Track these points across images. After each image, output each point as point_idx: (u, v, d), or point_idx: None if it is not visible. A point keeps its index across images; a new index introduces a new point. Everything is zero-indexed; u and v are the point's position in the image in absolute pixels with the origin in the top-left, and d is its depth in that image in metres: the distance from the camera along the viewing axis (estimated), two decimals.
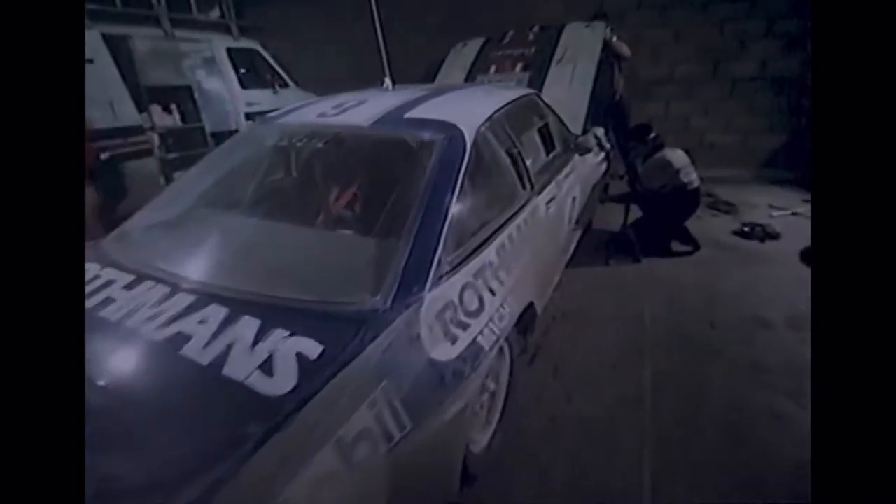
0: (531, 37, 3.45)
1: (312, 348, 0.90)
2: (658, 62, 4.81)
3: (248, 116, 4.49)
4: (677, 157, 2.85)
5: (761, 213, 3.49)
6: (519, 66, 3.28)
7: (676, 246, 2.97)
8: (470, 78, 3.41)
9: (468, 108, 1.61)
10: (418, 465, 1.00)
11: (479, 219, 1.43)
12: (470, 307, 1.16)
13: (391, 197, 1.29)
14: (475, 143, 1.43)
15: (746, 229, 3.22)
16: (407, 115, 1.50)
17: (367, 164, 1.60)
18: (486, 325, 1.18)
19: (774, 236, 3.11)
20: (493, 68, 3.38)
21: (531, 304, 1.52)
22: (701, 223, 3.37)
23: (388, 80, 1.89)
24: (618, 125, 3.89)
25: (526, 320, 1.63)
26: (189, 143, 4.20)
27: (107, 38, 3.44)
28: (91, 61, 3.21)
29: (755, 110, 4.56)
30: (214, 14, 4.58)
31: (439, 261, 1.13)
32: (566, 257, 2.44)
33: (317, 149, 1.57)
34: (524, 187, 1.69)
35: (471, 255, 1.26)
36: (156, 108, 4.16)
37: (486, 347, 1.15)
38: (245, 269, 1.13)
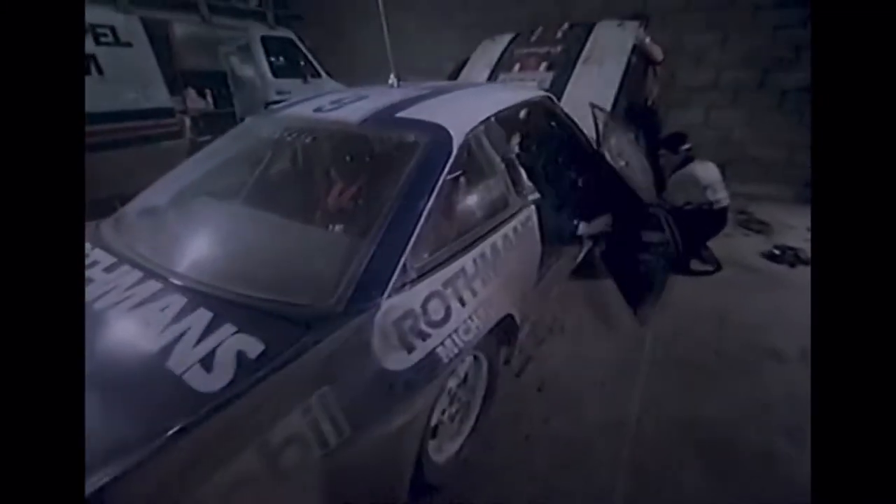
0: (559, 35, 3.29)
1: (254, 347, 0.89)
2: (701, 67, 4.56)
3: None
4: (706, 172, 2.68)
5: (797, 236, 3.24)
6: (544, 66, 3.14)
7: (696, 264, 2.81)
8: (493, 76, 3.32)
9: (464, 109, 1.57)
10: (358, 475, 0.98)
11: (460, 225, 1.39)
12: (434, 317, 1.13)
13: (369, 197, 1.27)
14: (463, 146, 1.38)
15: (777, 252, 3.01)
16: (398, 115, 1.47)
17: (352, 162, 1.59)
18: (449, 336, 1.14)
19: (806, 262, 2.88)
20: (517, 66, 3.26)
21: (509, 317, 1.47)
22: (729, 241, 3.17)
23: (392, 77, 1.86)
24: (648, 132, 3.70)
25: (505, 332, 1.58)
26: (219, 127, 4.34)
27: (146, 23, 3.59)
28: (130, 45, 3.36)
29: (804, 124, 4.23)
30: (253, 2, 4.69)
31: (405, 267, 1.10)
32: (568, 268, 2.36)
33: (305, 144, 1.58)
34: (519, 194, 1.63)
35: (444, 262, 1.23)
36: (190, 92, 4.33)
37: (445, 359, 1.11)
38: (213, 261, 1.15)
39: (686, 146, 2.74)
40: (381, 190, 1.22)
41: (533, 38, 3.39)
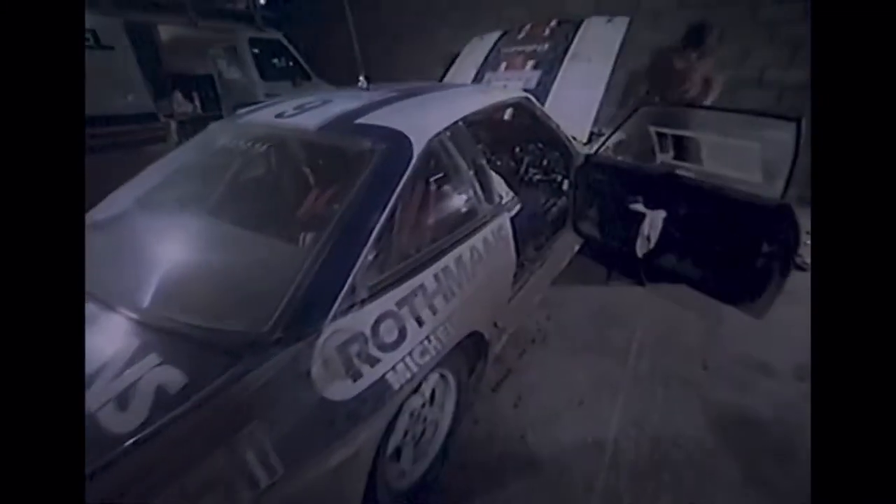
0: (547, 32, 3.18)
1: (176, 381, 0.83)
2: None
3: None
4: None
5: None
6: (530, 64, 3.04)
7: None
8: (479, 75, 3.23)
9: (428, 114, 1.49)
10: None
11: (422, 238, 1.31)
12: (385, 339, 1.06)
13: (319, 210, 1.19)
14: (426, 153, 1.31)
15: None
16: (358, 121, 1.40)
17: (305, 172, 1.51)
18: (402, 360, 1.07)
19: (803, 267, 2.78)
20: (503, 65, 3.17)
21: (476, 334, 1.40)
22: None
23: (362, 79, 1.79)
24: None
25: (475, 347, 1.51)
26: None
27: (131, 26, 3.54)
28: (112, 48, 3.31)
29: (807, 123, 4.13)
30: (241, 4, 4.64)
31: (353, 286, 1.02)
32: (552, 275, 2.28)
33: (259, 153, 1.51)
34: (490, 202, 1.56)
35: (401, 279, 1.15)
36: (177, 95, 4.28)
37: (396, 386, 1.04)
38: (148, 283, 1.08)
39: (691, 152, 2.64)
40: (332, 202, 1.14)
41: (520, 36, 3.29)
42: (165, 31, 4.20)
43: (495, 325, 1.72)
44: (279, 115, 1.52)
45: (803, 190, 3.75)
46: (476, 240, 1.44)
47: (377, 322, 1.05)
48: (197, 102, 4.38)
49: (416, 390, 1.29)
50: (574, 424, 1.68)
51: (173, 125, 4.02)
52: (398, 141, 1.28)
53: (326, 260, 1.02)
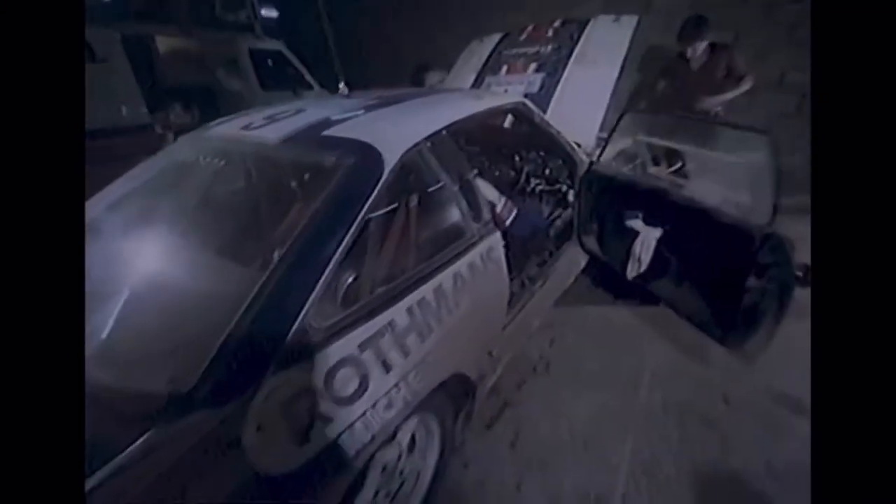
0: (550, 32, 3.00)
1: None
2: None
3: None
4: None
5: None
6: (532, 67, 2.86)
7: None
8: (479, 80, 3.06)
9: (406, 123, 1.34)
10: None
11: (394, 266, 1.15)
12: (342, 391, 0.89)
13: (270, 237, 1.04)
14: (400, 168, 1.15)
15: (798, 273, 2.66)
16: (325, 133, 1.25)
17: (260, 192, 1.36)
18: (362, 417, 0.91)
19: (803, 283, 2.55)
20: (504, 69, 3.00)
21: (459, 376, 1.23)
22: None
23: (342, 86, 1.65)
24: None
25: (462, 387, 1.34)
26: None
27: (127, 38, 3.49)
28: (105, 60, 3.26)
29: None
30: (242, 15, 4.59)
31: (304, 328, 0.86)
32: (554, 296, 2.09)
33: (216, 169, 1.36)
34: (479, 220, 1.39)
35: (366, 316, 0.99)
36: (176, 107, 4.22)
37: (352, 452, 0.88)
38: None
39: (678, 166, 2.43)
40: (288, 228, 0.99)
41: (522, 38, 3.12)
42: (163, 43, 4.17)
43: (490, 354, 1.55)
44: (245, 127, 1.39)
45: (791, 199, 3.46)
46: (461, 265, 1.27)
47: (332, 371, 0.89)
48: (196, 114, 4.31)
49: (391, 439, 1.13)
50: (576, 470, 1.48)
51: (171, 137, 3.96)
52: (367, 155, 1.13)
53: (270, 298, 0.86)
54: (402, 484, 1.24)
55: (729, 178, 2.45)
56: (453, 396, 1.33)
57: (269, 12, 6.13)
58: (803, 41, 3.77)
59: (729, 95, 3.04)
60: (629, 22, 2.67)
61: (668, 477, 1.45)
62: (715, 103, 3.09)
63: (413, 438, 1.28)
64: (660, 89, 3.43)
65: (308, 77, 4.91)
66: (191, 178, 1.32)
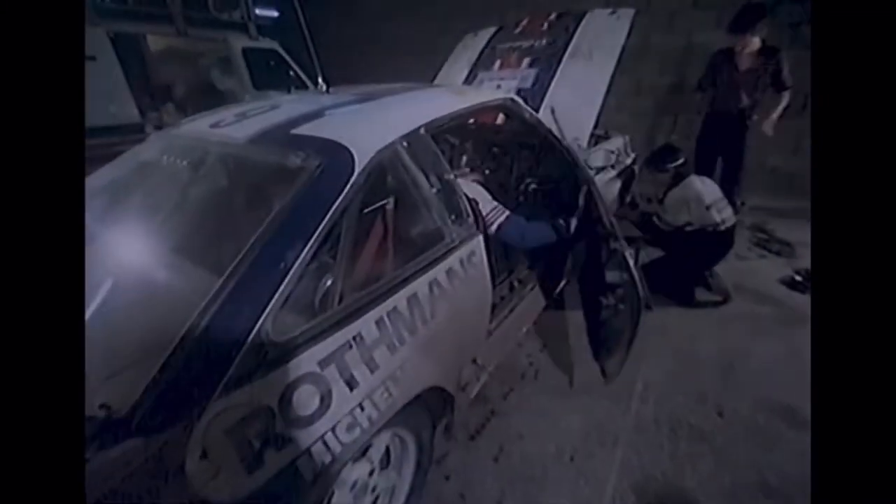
0: (545, 26, 2.92)
1: None
2: None
3: None
4: (708, 189, 2.32)
5: None
6: (526, 61, 2.78)
7: (702, 294, 2.44)
8: (472, 75, 2.98)
9: (382, 121, 1.28)
10: None
11: (366, 274, 1.10)
12: (300, 412, 0.83)
13: (230, 243, 0.97)
14: (371, 170, 1.09)
15: (798, 278, 2.60)
16: (295, 131, 1.19)
17: (224, 193, 1.30)
18: (321, 438, 0.85)
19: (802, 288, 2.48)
20: (497, 64, 2.92)
21: (436, 389, 1.17)
22: (742, 265, 2.80)
23: (321, 82, 1.60)
24: (731, 150, 3.14)
25: (437, 402, 1.28)
26: None
27: (118, 37, 3.45)
28: (93, 58, 3.22)
29: None
30: (236, 14, 4.54)
31: (259, 343, 0.81)
32: (542, 301, 2.03)
33: (179, 169, 1.30)
34: (460, 223, 1.32)
35: (329, 329, 0.93)
36: (169, 107, 4.19)
37: (310, 476, 0.82)
38: None
39: (678, 161, 2.36)
40: (246, 233, 0.92)
41: (517, 31, 3.04)
42: (156, 42, 4.13)
43: (474, 361, 1.49)
44: (215, 125, 1.33)
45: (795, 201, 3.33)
46: (438, 271, 1.20)
47: (290, 389, 0.83)
48: (190, 113, 4.28)
49: (361, 455, 1.07)
50: (561, 484, 1.42)
51: None
52: (337, 155, 1.07)
53: (221, 311, 0.80)
54: (375, 500, 1.18)
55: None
56: (430, 409, 1.27)
57: (267, 12, 6.09)
58: (807, 40, 3.70)
59: (775, 116, 2.92)
60: (626, 15, 2.58)
61: (657, 493, 1.39)
62: (768, 126, 2.95)
63: (388, 452, 1.22)
64: (706, 89, 3.25)
65: (303, 76, 4.86)
66: (152, 179, 1.26)
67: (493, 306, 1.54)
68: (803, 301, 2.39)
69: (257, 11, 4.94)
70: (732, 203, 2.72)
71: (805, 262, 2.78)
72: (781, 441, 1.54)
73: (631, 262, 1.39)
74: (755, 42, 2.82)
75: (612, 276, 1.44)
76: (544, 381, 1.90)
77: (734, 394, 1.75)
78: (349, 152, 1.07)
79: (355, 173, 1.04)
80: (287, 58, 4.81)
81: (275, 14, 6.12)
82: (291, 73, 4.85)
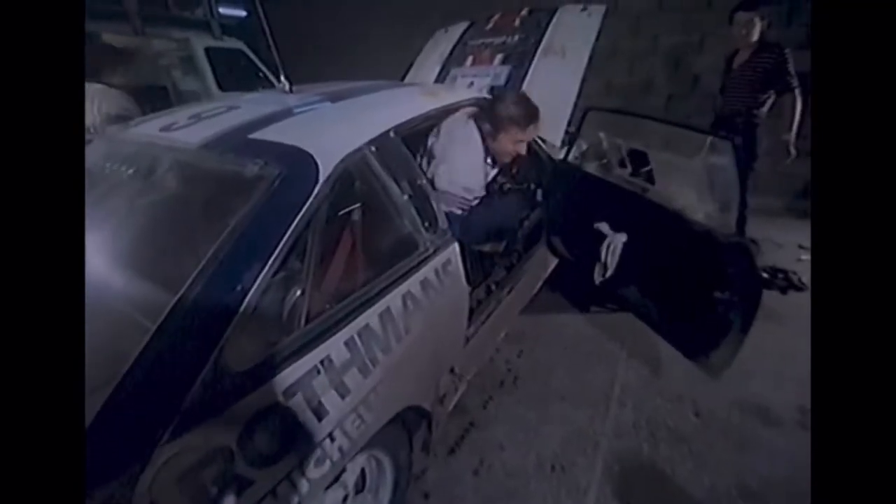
0: (517, 22, 2.89)
1: None
2: (679, 71, 4.32)
3: None
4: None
5: (787, 255, 2.92)
6: (499, 58, 2.74)
7: None
8: (444, 71, 2.93)
9: (348, 124, 1.21)
10: None
11: (333, 292, 1.03)
12: (262, 450, 0.76)
13: (178, 263, 0.89)
14: (336, 178, 1.02)
15: (765, 275, 2.68)
16: (252, 136, 1.11)
17: (173, 205, 1.20)
18: (286, 477, 0.78)
19: (799, 287, 2.56)
20: (469, 60, 2.87)
21: (413, 408, 1.12)
22: None
23: (283, 81, 1.52)
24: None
25: (414, 420, 1.23)
26: None
27: None
28: None
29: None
30: (199, 13, 4.35)
31: (214, 376, 0.74)
32: (521, 304, 2.01)
33: (122, 178, 1.20)
34: (434, 230, 1.27)
35: (294, 354, 0.86)
36: None
37: None
38: None
39: (648, 168, 2.36)
40: (200, 251, 0.85)
41: (489, 27, 3.00)
42: (112, 42, 3.90)
43: (452, 371, 1.45)
44: (166, 128, 1.23)
45: (792, 200, 3.41)
46: (412, 283, 1.15)
47: (250, 425, 0.76)
48: (147, 115, 4.08)
49: (335, 480, 1.01)
50: (543, 495, 1.40)
51: None
52: (299, 162, 1.00)
53: (172, 338, 0.73)
54: None
55: (693, 183, 2.41)
56: (407, 427, 1.22)
57: (234, 11, 5.87)
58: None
59: (794, 128, 2.60)
60: (597, 12, 2.56)
61: (639, 499, 1.38)
62: (789, 142, 2.63)
63: (363, 474, 1.16)
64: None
65: (271, 77, 4.70)
66: (94, 190, 1.15)
67: (471, 311, 1.50)
68: (769, 298, 2.45)
69: (223, 11, 4.77)
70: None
71: (770, 258, 2.87)
72: (757, 438, 1.57)
73: (753, 251, 1.35)
74: (754, 32, 2.65)
75: (731, 269, 1.40)
76: (523, 388, 1.88)
77: (709, 394, 1.77)
78: (312, 159, 1.00)
79: (319, 182, 0.97)
80: (255, 58, 4.65)
81: (242, 14, 5.91)
82: (260, 74, 4.69)
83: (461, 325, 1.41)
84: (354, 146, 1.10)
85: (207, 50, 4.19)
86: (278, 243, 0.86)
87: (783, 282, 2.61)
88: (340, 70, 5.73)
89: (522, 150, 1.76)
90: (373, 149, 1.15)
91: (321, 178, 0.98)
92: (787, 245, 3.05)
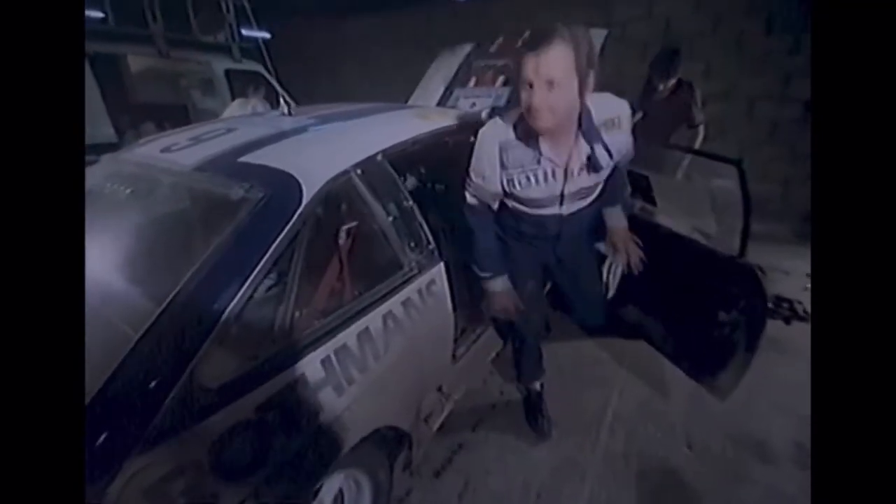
0: (520, 44, 2.96)
1: None
2: None
3: None
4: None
5: (794, 284, 2.85)
6: (500, 80, 2.81)
7: None
8: (448, 92, 3.01)
9: (336, 147, 1.26)
10: None
11: (316, 312, 1.06)
12: (233, 465, 0.79)
13: (165, 282, 0.93)
14: (320, 200, 1.06)
15: (769, 305, 2.62)
16: (242, 159, 1.16)
17: (166, 225, 1.26)
18: (254, 495, 0.80)
19: (803, 317, 2.50)
20: (472, 81, 2.95)
21: (391, 428, 1.13)
22: None
23: (283, 103, 1.59)
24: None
25: (394, 438, 1.24)
26: None
27: (97, 56, 3.45)
28: None
29: (797, 155, 3.92)
30: (221, 37, 4.57)
31: (188, 392, 0.76)
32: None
33: (122, 198, 1.27)
34: (420, 251, 1.30)
35: (271, 371, 0.88)
36: (149, 126, 4.16)
37: None
38: None
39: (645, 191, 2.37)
40: (185, 271, 0.89)
41: (492, 49, 3.08)
42: (137, 62, 4.13)
43: (439, 389, 1.45)
44: (166, 149, 1.30)
45: (799, 225, 3.36)
46: (393, 303, 1.18)
47: (222, 441, 0.79)
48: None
49: (312, 498, 1.02)
50: None
51: None
52: (283, 185, 1.04)
53: (150, 349, 0.76)
54: None
55: (696, 206, 2.39)
56: (386, 446, 1.22)
57: (259, 33, 6.13)
58: (777, 71, 3.83)
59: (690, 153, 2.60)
60: (598, 36, 2.62)
61: None
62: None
63: (341, 493, 1.17)
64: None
65: (288, 98, 4.88)
66: (93, 207, 1.22)
67: (463, 330, 1.50)
68: (773, 328, 2.39)
69: (246, 32, 4.99)
70: None
71: (776, 286, 2.81)
72: (750, 474, 1.52)
73: (758, 273, 1.36)
74: (672, 81, 2.77)
75: (736, 289, 1.41)
76: (515, 411, 1.86)
77: (704, 426, 1.73)
78: (297, 182, 1.04)
79: (302, 205, 1.01)
80: (272, 81, 4.83)
81: (266, 35, 6.17)
82: (274, 95, 4.87)
83: (447, 345, 1.43)
84: (339, 169, 1.14)
85: (227, 72, 4.38)
86: (258, 263, 0.90)
87: (787, 311, 2.55)
88: (348, 91, 5.93)
89: None
90: (359, 171, 1.19)
91: (304, 200, 1.02)
92: (793, 273, 2.98)
